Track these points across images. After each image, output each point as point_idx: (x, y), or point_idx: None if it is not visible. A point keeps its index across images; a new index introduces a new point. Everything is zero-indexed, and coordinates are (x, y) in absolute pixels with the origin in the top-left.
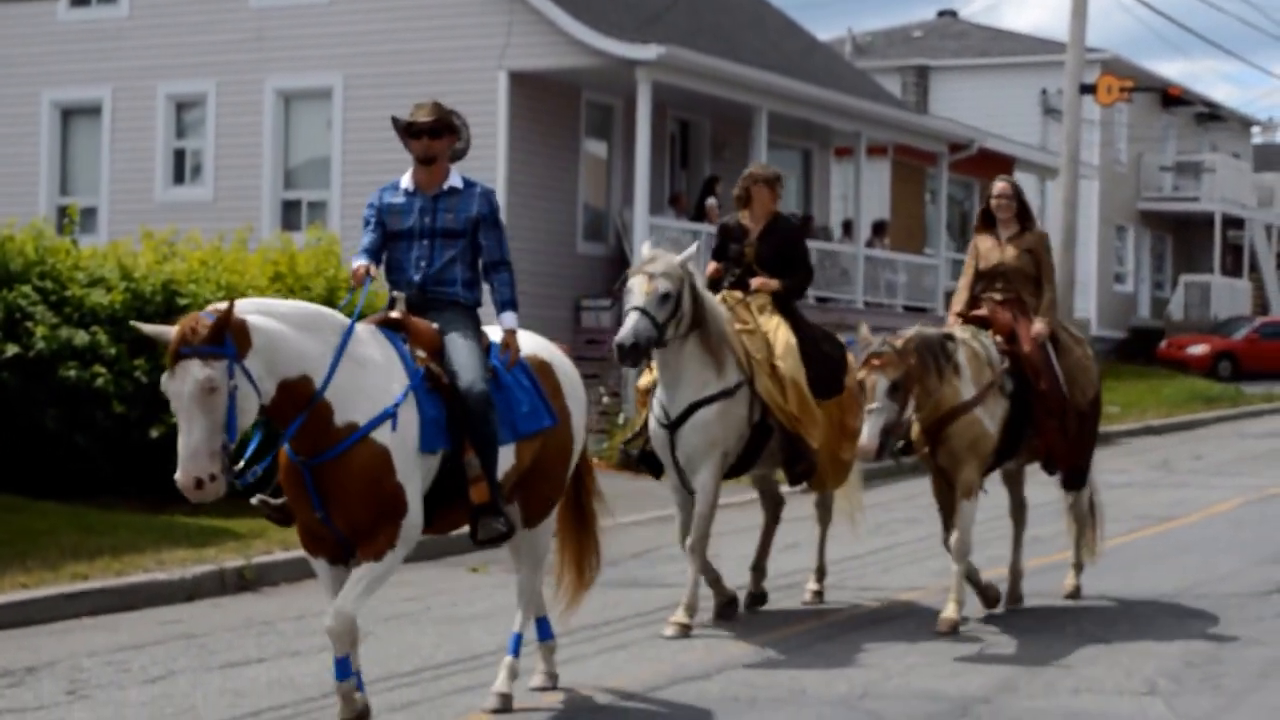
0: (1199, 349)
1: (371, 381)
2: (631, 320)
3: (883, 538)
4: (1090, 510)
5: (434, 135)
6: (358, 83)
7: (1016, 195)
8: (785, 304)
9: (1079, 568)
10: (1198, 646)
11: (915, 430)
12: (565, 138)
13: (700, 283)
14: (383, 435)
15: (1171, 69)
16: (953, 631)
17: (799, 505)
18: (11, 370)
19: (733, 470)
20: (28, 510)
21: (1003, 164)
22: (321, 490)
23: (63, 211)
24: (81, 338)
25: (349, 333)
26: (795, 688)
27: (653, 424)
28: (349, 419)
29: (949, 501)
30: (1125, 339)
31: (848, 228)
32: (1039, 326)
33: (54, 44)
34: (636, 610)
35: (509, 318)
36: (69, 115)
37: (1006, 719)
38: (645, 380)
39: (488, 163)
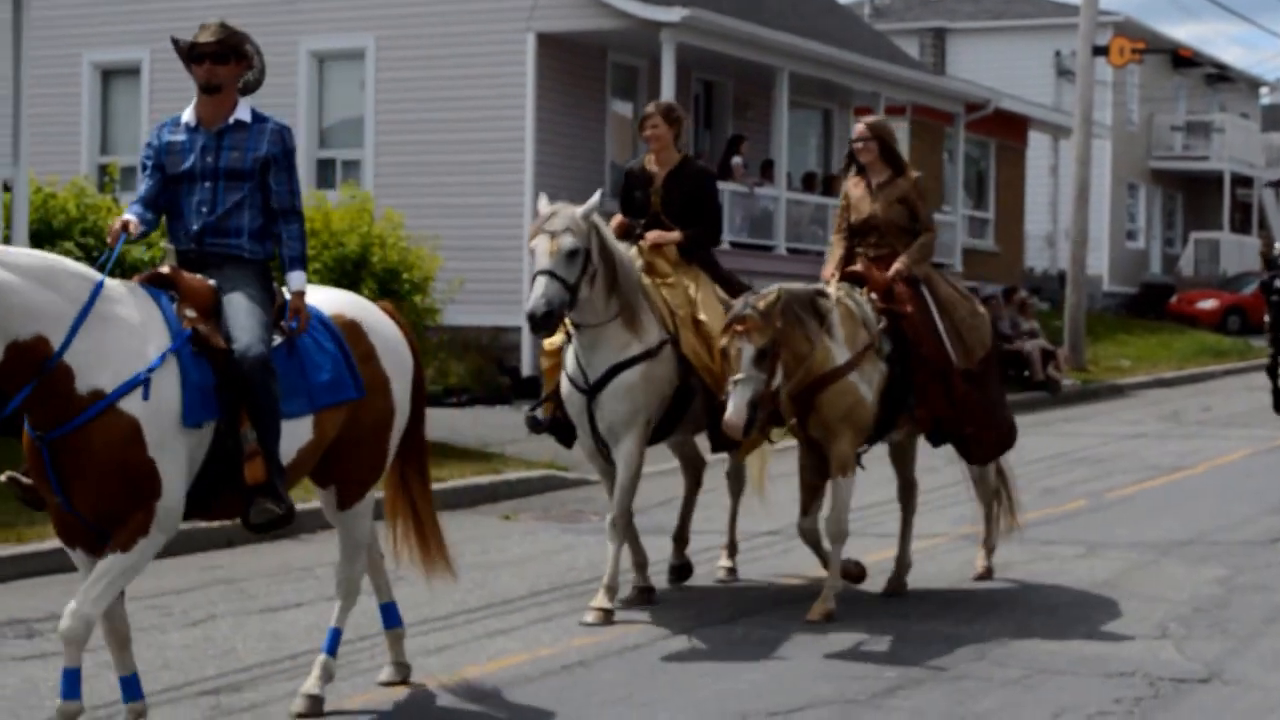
0: (1209, 304)
1: (123, 343)
2: (540, 285)
3: None
4: (1001, 480)
5: (218, 60)
6: (390, 44)
7: (878, 136)
8: (693, 255)
9: (990, 549)
10: (1207, 592)
11: (783, 396)
12: (592, 98)
13: (608, 234)
14: (132, 405)
15: (1182, 31)
16: (827, 620)
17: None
18: None
19: (652, 437)
20: None
21: (1018, 124)
22: (60, 469)
23: (103, 170)
24: None
25: (97, 289)
26: (818, 631)
27: (566, 387)
28: (94, 386)
29: (816, 479)
30: (1137, 294)
31: None
32: (896, 266)
33: (94, 6)
34: (665, 556)
35: (296, 277)
36: (109, 76)
37: (1021, 661)
38: (553, 339)
39: (516, 123)
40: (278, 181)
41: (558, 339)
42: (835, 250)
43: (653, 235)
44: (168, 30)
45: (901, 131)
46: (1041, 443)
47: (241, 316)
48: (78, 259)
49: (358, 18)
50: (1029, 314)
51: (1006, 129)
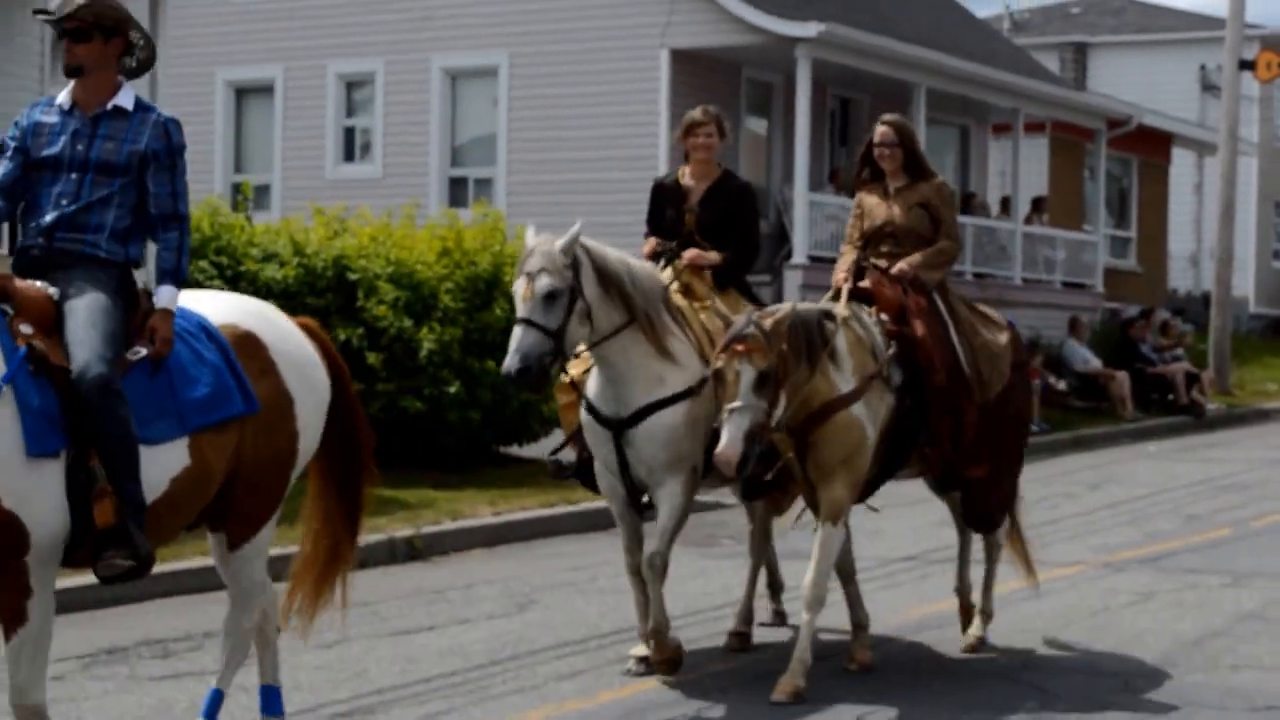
0: None
1: None
2: (515, 338)
3: (1042, 512)
4: (1015, 527)
5: (78, 38)
6: (522, 61)
7: (903, 142)
8: (729, 281)
9: (987, 616)
10: None
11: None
12: (726, 115)
13: (602, 255)
14: None
15: None
16: (796, 700)
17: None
18: None
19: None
20: None
21: (1161, 140)
22: None
23: (237, 189)
24: None
25: None
26: (956, 660)
27: (586, 418)
28: None
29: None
30: None
31: (1005, 204)
32: (901, 265)
33: (228, 24)
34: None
35: (164, 293)
36: (243, 94)
37: (1167, 693)
38: (573, 371)
39: (650, 140)
40: (157, 182)
41: (575, 372)
42: (846, 258)
43: (691, 254)
44: (301, 48)
45: (1040, 148)
46: (1185, 468)
47: (80, 330)
48: (210, 278)
49: (491, 35)
50: (1172, 335)
51: (1149, 146)
